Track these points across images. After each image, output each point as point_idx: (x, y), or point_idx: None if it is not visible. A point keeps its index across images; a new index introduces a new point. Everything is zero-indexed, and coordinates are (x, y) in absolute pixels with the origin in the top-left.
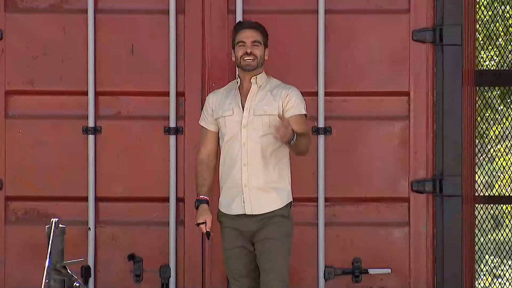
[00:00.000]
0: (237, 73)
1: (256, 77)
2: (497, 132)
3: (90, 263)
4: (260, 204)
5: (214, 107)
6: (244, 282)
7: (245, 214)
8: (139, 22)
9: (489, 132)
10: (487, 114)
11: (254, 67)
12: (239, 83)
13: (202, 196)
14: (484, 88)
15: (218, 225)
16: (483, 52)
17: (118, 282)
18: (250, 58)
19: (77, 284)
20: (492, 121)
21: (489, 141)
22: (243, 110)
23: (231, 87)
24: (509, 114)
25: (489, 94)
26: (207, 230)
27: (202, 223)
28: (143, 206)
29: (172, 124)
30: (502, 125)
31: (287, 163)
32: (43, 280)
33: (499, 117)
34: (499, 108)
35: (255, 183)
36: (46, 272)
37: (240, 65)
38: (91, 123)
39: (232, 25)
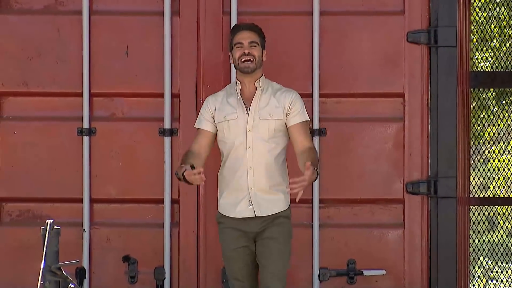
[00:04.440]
0: (232, 74)
1: (259, 81)
2: (492, 134)
3: (85, 264)
4: (267, 207)
5: (214, 111)
6: (247, 282)
7: (251, 217)
8: (134, 24)
9: (483, 134)
10: (482, 115)
11: (253, 69)
12: (239, 86)
13: (183, 165)
14: (479, 90)
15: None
16: (477, 53)
17: (112, 283)
18: (248, 58)
19: (72, 286)
20: (487, 123)
21: (483, 143)
22: (247, 113)
23: (230, 90)
24: (503, 116)
25: (484, 96)
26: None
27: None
28: (137, 208)
29: (167, 125)
30: (496, 127)
31: (285, 167)
32: (38, 281)
33: (494, 118)
34: (494, 110)
35: (261, 186)
36: (41, 273)
37: (238, 67)
38: (85, 125)
39: (227, 26)
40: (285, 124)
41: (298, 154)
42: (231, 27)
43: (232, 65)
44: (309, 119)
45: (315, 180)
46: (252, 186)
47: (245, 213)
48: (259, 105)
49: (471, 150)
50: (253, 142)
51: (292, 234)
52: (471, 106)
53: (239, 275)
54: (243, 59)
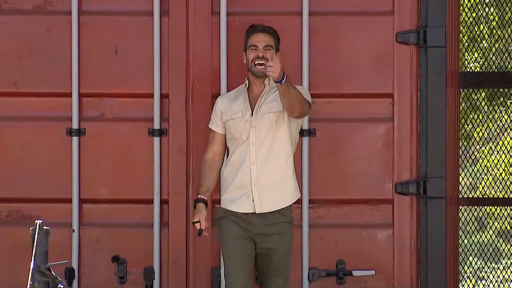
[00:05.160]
0: (222, 75)
1: (269, 78)
2: (481, 134)
3: (74, 265)
4: (269, 203)
5: (223, 110)
6: (244, 273)
7: (254, 212)
8: (123, 24)
9: (472, 134)
10: (471, 116)
11: (265, 73)
12: (247, 86)
13: (200, 196)
14: (468, 90)
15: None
16: (467, 54)
17: (102, 284)
18: (262, 62)
19: (61, 286)
20: (476, 123)
21: (472, 143)
22: (252, 111)
23: (240, 90)
24: (493, 116)
25: (474, 96)
26: (200, 228)
27: (196, 222)
28: (127, 208)
29: (156, 125)
30: (486, 127)
31: (292, 163)
32: (28, 282)
33: (483, 119)
34: (484, 110)
35: (264, 181)
36: (31, 274)
37: (251, 69)
38: (75, 125)
39: (216, 27)
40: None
41: None
42: (248, 27)
43: (221, 65)
44: (305, 95)
45: (279, 79)
46: (256, 182)
47: (246, 208)
48: (263, 102)
49: (460, 150)
50: (256, 138)
51: (293, 235)
52: (461, 106)
53: (239, 266)
54: (256, 62)
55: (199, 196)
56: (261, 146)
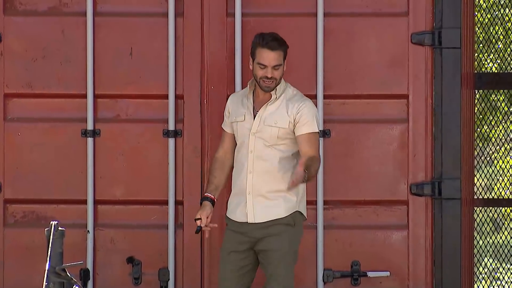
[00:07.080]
0: (237, 76)
1: (275, 90)
2: (496, 135)
3: (89, 266)
4: (261, 213)
5: (231, 110)
6: (227, 285)
7: (247, 222)
8: (138, 25)
9: (488, 135)
10: (487, 116)
11: (272, 88)
12: (252, 88)
13: (207, 194)
14: (483, 91)
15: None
16: (481, 55)
17: (117, 285)
18: (269, 81)
19: (76, 287)
20: (491, 124)
21: (488, 144)
22: (254, 117)
23: (248, 90)
24: (508, 117)
25: (491, 98)
26: (199, 225)
27: (198, 219)
28: (142, 209)
29: (171, 127)
30: (501, 128)
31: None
32: (43, 283)
33: (499, 120)
34: (503, 111)
35: (259, 191)
36: (46, 275)
37: (259, 84)
38: (90, 126)
39: (231, 28)
40: (293, 132)
41: None
42: (257, 36)
43: (236, 66)
44: (317, 130)
45: (305, 180)
46: (251, 190)
47: (241, 217)
48: (267, 111)
49: (475, 151)
50: (255, 147)
51: (298, 239)
52: (479, 107)
53: (227, 276)
54: (264, 80)
55: (206, 194)
56: (259, 156)
